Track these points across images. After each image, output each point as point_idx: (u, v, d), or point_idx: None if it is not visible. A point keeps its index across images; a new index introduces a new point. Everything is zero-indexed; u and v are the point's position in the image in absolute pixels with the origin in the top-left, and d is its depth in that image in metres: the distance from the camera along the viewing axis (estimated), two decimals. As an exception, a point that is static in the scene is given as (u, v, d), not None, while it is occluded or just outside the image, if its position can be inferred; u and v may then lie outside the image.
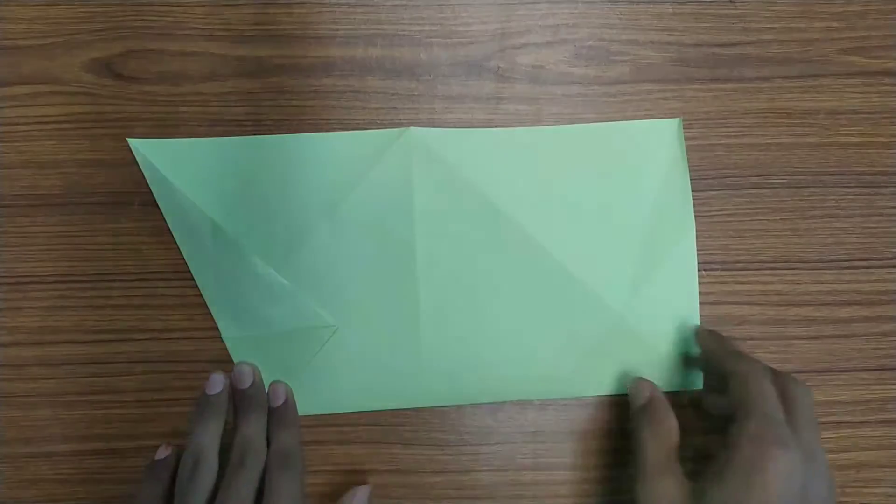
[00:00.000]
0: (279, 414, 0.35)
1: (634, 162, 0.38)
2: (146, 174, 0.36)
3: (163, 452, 0.35)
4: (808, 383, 0.38)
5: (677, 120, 0.38)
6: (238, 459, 0.32)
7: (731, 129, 0.39)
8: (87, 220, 0.37)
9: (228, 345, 0.36)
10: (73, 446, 0.37)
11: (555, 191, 0.37)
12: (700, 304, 0.38)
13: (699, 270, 0.38)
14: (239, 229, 0.36)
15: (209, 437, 0.33)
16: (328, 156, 0.37)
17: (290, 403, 0.35)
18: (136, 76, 0.37)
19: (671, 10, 0.39)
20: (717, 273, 0.38)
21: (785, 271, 0.38)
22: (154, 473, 0.34)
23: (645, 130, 0.38)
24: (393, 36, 0.38)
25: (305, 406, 0.37)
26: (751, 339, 0.38)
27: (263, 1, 0.37)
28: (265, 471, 0.33)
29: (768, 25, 0.39)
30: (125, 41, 0.37)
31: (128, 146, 0.36)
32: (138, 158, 0.36)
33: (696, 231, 0.38)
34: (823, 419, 0.38)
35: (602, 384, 0.37)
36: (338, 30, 0.38)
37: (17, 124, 0.37)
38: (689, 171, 0.38)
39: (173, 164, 0.36)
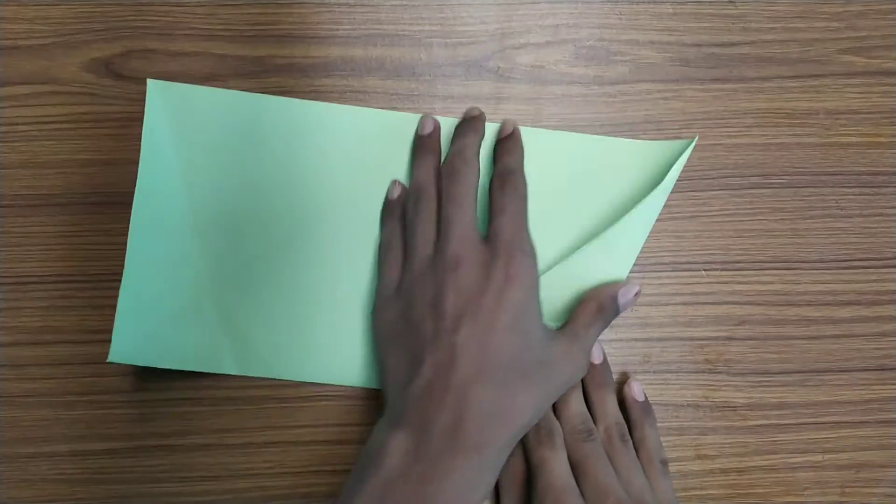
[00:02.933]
0: (503, 143, 0.36)
1: (644, 181, 0.37)
2: (147, 118, 0.36)
3: (395, 191, 0.37)
4: (807, 383, 0.38)
5: (691, 142, 0.37)
6: (448, 173, 0.34)
7: (731, 129, 0.39)
8: (87, 220, 0.37)
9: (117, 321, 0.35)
10: (74, 446, 0.37)
11: (560, 196, 0.37)
12: (700, 303, 0.38)
13: (700, 271, 0.38)
14: (246, 185, 0.36)
15: (427, 172, 0.35)
16: (346, 129, 0.37)
17: (515, 135, 0.37)
18: (135, 76, 0.37)
19: (671, 10, 0.39)
20: (717, 273, 0.38)
21: (785, 271, 0.38)
22: (390, 212, 0.36)
23: (660, 151, 0.37)
24: (393, 36, 0.38)
25: (280, 371, 0.36)
26: (751, 338, 0.38)
27: (263, 1, 0.37)
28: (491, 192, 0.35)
29: (768, 25, 0.39)
30: (125, 41, 0.37)
31: (127, 146, 0.36)
32: (148, 101, 0.36)
33: (697, 231, 0.38)
34: (823, 419, 0.38)
35: None
36: (338, 30, 0.38)
37: (17, 124, 0.37)
38: (690, 171, 0.38)
39: (191, 110, 0.36)
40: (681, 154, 0.36)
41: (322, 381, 0.37)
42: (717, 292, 0.38)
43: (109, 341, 0.36)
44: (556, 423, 0.34)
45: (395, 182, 0.37)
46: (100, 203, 0.37)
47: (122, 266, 0.36)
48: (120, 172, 0.37)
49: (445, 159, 0.35)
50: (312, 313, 0.37)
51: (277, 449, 0.37)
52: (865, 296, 0.39)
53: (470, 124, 0.36)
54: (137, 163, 0.36)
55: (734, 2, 0.39)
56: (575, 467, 0.33)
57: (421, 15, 0.38)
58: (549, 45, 0.38)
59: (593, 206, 0.37)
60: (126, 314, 0.35)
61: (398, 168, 0.37)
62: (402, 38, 0.38)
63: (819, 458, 0.38)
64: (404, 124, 0.37)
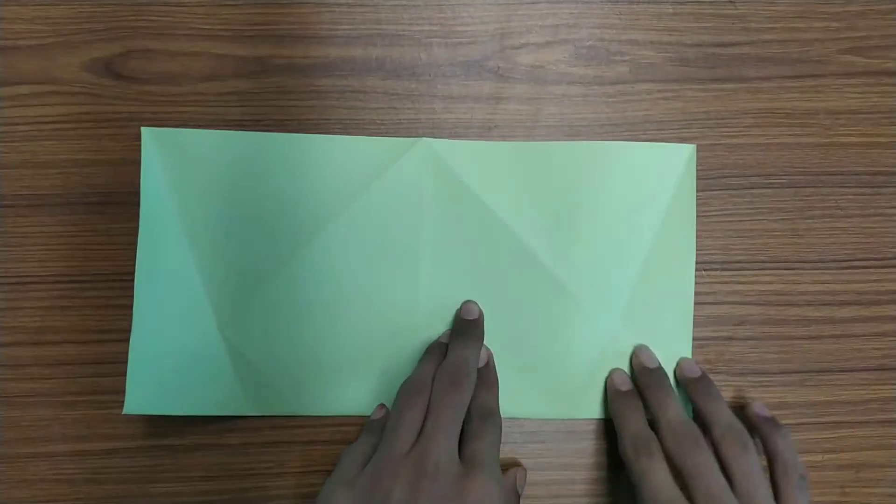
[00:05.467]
0: (482, 374, 0.36)
1: (644, 185, 0.37)
2: (144, 165, 0.36)
3: (378, 413, 0.36)
4: (807, 383, 0.38)
5: (691, 146, 0.38)
6: (449, 379, 0.33)
7: (730, 129, 0.39)
8: (87, 220, 0.37)
9: (131, 356, 0.35)
10: (74, 446, 0.37)
11: (562, 208, 0.37)
12: (700, 304, 0.38)
13: (699, 271, 0.38)
14: (246, 223, 0.36)
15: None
16: (341, 158, 0.37)
17: (491, 366, 0.37)
18: (135, 76, 0.37)
19: (671, 10, 0.39)
20: (717, 273, 0.38)
21: (785, 271, 0.38)
22: (372, 430, 0.35)
23: (659, 154, 0.38)
24: (393, 36, 0.38)
25: (296, 407, 0.36)
26: (751, 339, 0.38)
27: (263, 1, 0.37)
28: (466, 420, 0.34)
29: (768, 25, 0.39)
30: (125, 41, 0.37)
31: (127, 146, 0.36)
32: (144, 148, 0.36)
33: (697, 231, 0.38)
34: (823, 419, 0.38)
35: (592, 408, 0.37)
36: (338, 30, 0.38)
37: (17, 124, 0.37)
38: (689, 171, 0.38)
39: (186, 153, 0.36)
40: (681, 159, 0.37)
41: (339, 414, 0.37)
42: (717, 292, 0.38)
43: (109, 341, 0.36)
44: (651, 432, 0.34)
45: (380, 406, 0.37)
46: (100, 203, 0.37)
47: (123, 266, 0.36)
48: (120, 172, 0.37)
49: (446, 362, 0.34)
50: (324, 346, 0.36)
51: (277, 449, 0.37)
52: (865, 296, 0.39)
53: (472, 331, 0.36)
54: (137, 163, 0.36)
55: (734, 2, 0.39)
56: (683, 476, 0.32)
57: (421, 15, 0.38)
58: (549, 45, 0.38)
59: (610, 213, 0.37)
60: (138, 364, 0.35)
61: (395, 193, 0.37)
62: (402, 38, 0.38)
63: (819, 457, 0.38)
64: (398, 148, 0.37)
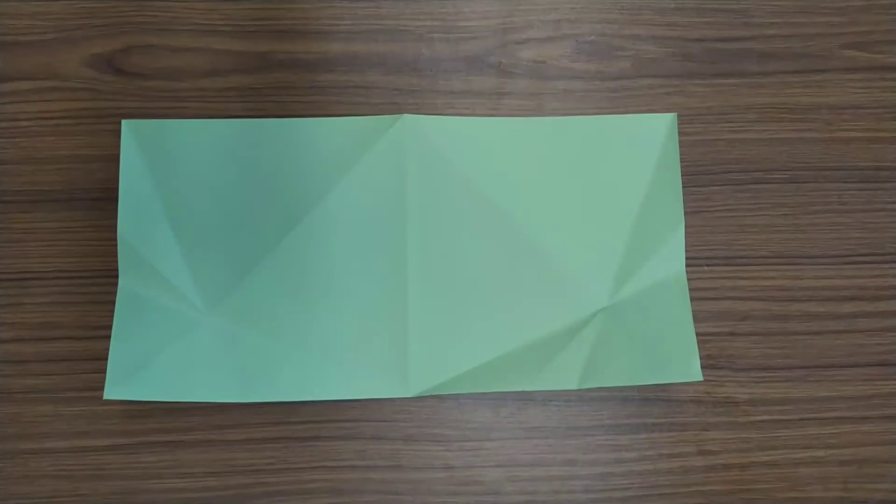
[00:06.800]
0: None
1: (626, 155, 0.37)
2: (123, 156, 0.36)
3: None
4: (810, 379, 0.38)
5: (672, 115, 0.38)
6: None
7: (733, 125, 0.39)
8: (88, 216, 0.37)
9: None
10: (75, 442, 0.36)
11: (546, 181, 0.37)
12: (703, 299, 0.38)
13: (702, 266, 0.38)
14: (231, 209, 0.36)
15: None
16: (323, 140, 0.37)
17: None
18: (136, 71, 0.37)
19: (673, 5, 0.39)
20: (720, 268, 0.38)
21: (787, 266, 0.38)
22: None
23: (638, 124, 0.38)
24: (395, 31, 0.38)
25: (282, 392, 0.36)
26: (754, 334, 0.38)
27: (265, -4, 0.37)
28: None
29: (770, 20, 0.39)
30: (126, 36, 0.37)
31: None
32: (123, 142, 0.36)
33: (699, 226, 0.38)
34: (826, 415, 0.38)
35: (589, 377, 0.37)
36: (339, 25, 0.38)
37: (18, 120, 0.37)
38: (692, 166, 0.38)
39: (169, 144, 0.36)
40: (662, 128, 0.37)
41: (323, 398, 0.36)
42: (719, 287, 0.38)
43: (110, 337, 0.36)
44: None
45: None
46: (101, 199, 0.37)
47: (124, 261, 0.36)
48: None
49: None
50: (310, 330, 0.36)
51: (279, 445, 0.37)
52: (868, 291, 0.39)
53: None
54: (139, 158, 0.36)
55: (736, -3, 0.39)
56: None
57: (422, 10, 0.38)
58: (551, 40, 0.38)
59: (594, 184, 0.37)
60: (120, 348, 0.35)
61: (380, 171, 0.36)
62: (404, 34, 0.38)
63: (822, 453, 0.38)
64: (380, 126, 0.37)
